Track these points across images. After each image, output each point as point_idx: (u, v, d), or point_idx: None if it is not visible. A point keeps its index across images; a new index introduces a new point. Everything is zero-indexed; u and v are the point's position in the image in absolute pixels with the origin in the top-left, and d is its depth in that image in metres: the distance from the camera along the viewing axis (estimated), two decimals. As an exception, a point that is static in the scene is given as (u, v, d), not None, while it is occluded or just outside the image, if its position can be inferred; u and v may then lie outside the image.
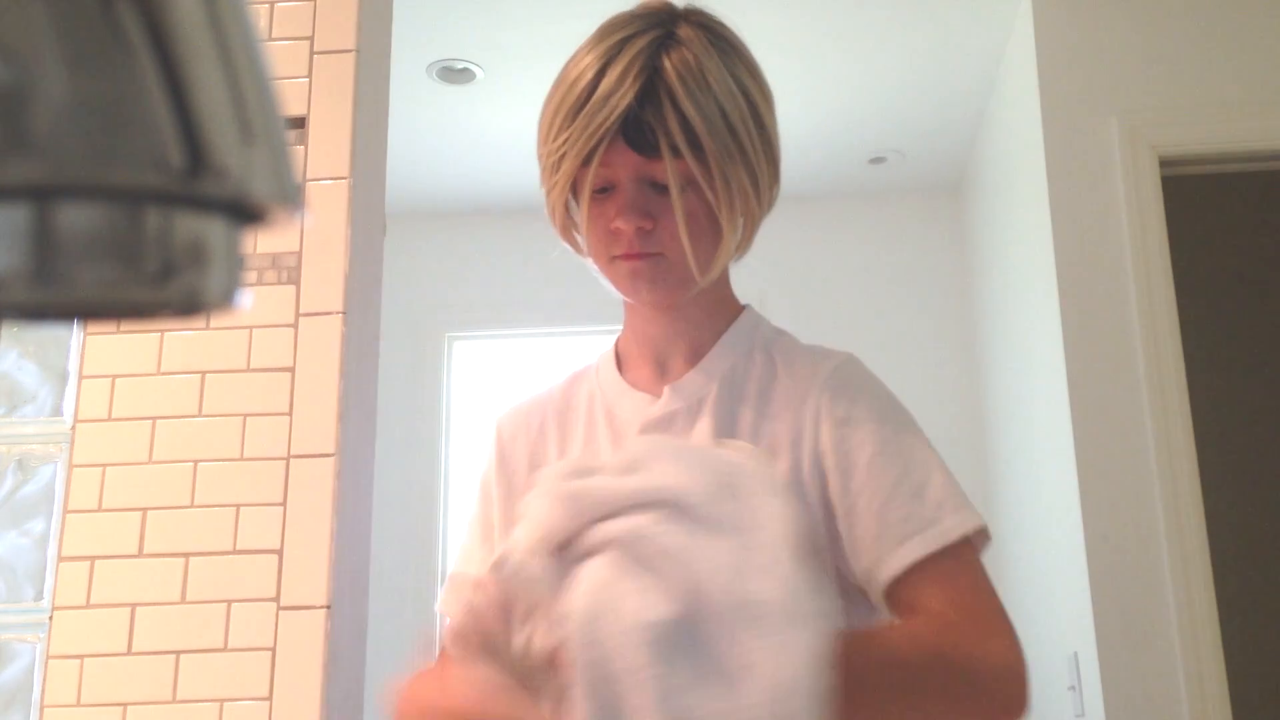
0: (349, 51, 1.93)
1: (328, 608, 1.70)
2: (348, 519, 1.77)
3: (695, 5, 1.11)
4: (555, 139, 1.04)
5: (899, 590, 0.98)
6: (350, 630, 1.77)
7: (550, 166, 1.06)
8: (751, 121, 1.06)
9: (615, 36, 1.04)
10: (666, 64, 1.03)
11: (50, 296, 0.28)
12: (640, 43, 1.03)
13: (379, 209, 2.05)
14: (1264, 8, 2.84)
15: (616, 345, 1.20)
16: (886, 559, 0.98)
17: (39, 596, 1.74)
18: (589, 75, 1.03)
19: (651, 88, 1.02)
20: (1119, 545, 2.57)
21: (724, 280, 1.17)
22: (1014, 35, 3.11)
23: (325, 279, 1.84)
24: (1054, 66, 2.86)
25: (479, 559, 1.10)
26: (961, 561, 0.99)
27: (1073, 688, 2.72)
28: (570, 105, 1.03)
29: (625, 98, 1.01)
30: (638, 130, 1.02)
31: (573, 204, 1.08)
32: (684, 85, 1.02)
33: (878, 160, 3.89)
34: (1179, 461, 2.57)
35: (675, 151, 1.02)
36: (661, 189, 1.05)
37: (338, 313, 1.82)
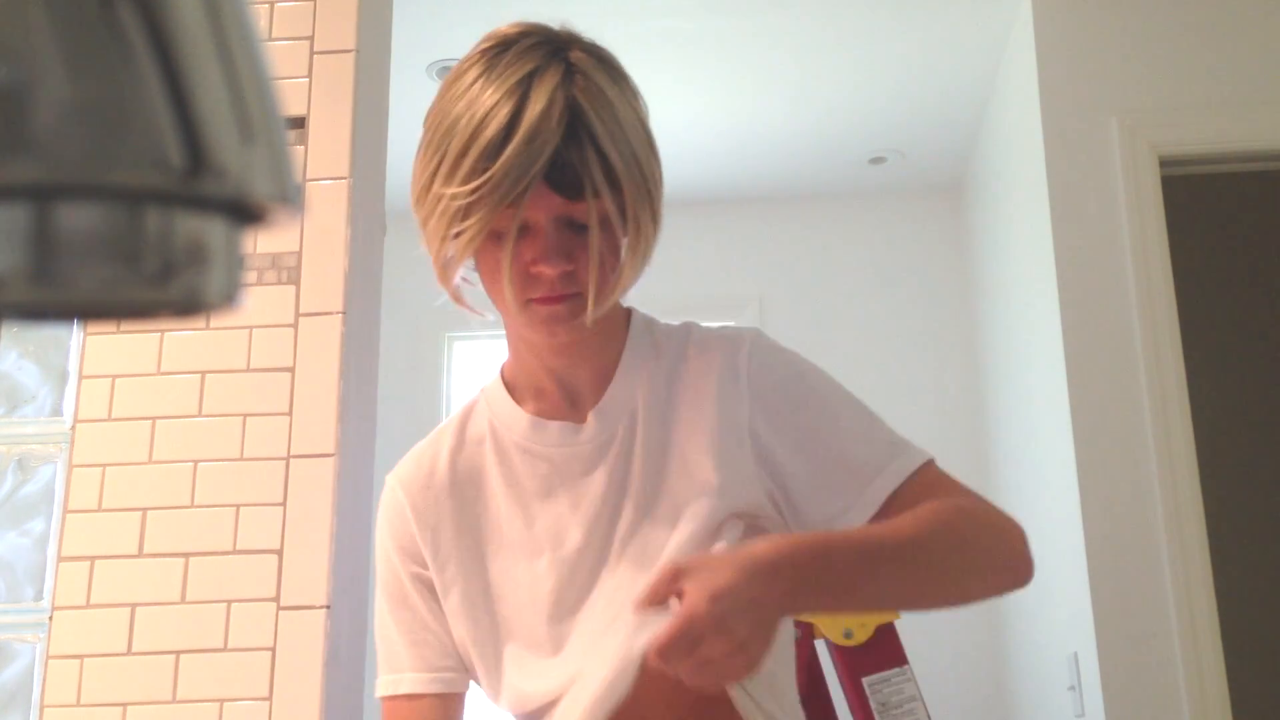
0: (349, 51, 1.93)
1: (328, 608, 1.70)
2: (348, 519, 1.77)
3: (568, 26, 1.07)
4: (467, 181, 0.98)
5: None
6: (350, 630, 1.77)
7: (455, 212, 0.99)
8: (651, 154, 1.06)
9: (518, 71, 1.00)
10: (581, 100, 0.99)
11: (50, 296, 0.28)
12: (551, 79, 0.99)
13: (379, 209, 2.05)
14: (1264, 8, 2.84)
15: (504, 376, 1.16)
16: (861, 499, 1.05)
17: (39, 596, 1.74)
18: (502, 113, 0.97)
19: (571, 128, 0.98)
20: (1119, 545, 2.57)
21: (614, 311, 1.14)
22: (1014, 35, 3.11)
23: (325, 279, 1.84)
24: (1054, 66, 2.86)
25: (408, 659, 1.11)
26: (935, 474, 1.07)
27: (1073, 688, 2.72)
28: (486, 145, 0.97)
29: (553, 138, 0.97)
30: (558, 171, 0.98)
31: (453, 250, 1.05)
32: (601, 124, 0.99)
33: (878, 160, 3.89)
34: (1179, 461, 2.57)
35: (595, 193, 0.99)
36: (578, 228, 1.02)
37: (338, 313, 1.82)
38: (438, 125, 1.02)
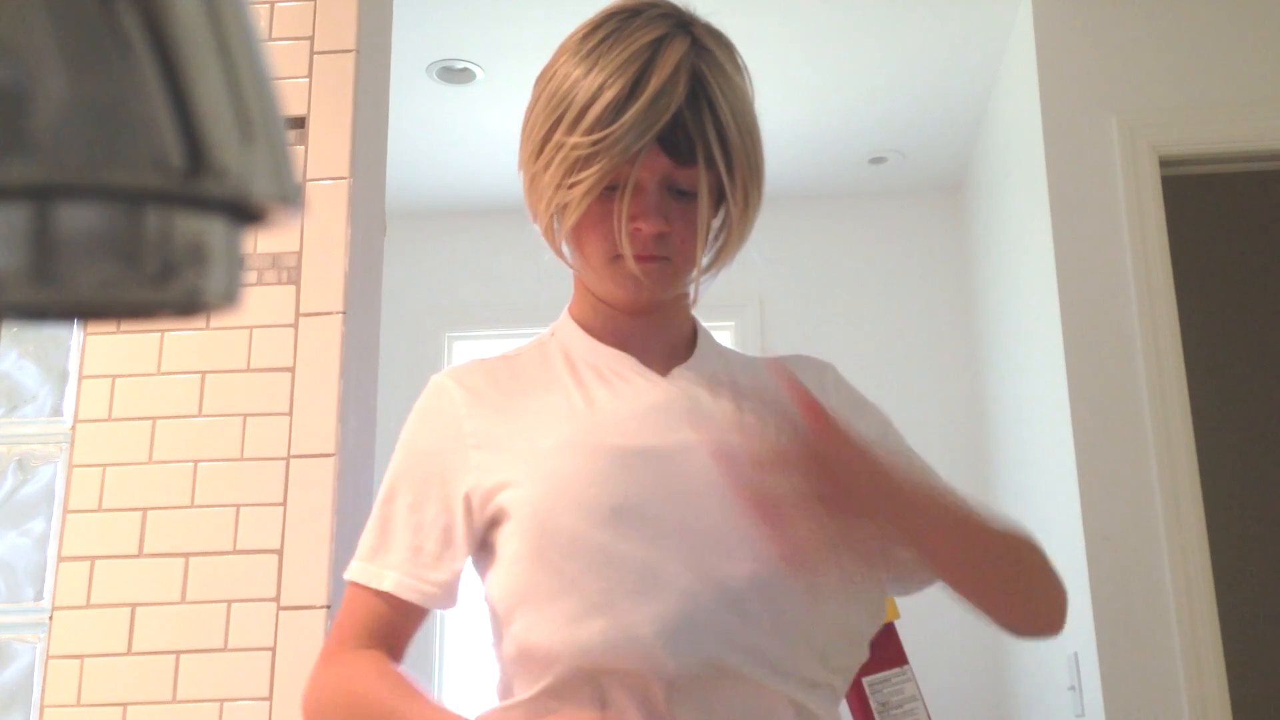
0: (349, 51, 1.93)
1: (328, 608, 1.70)
2: (348, 519, 1.77)
3: (693, 7, 1.11)
4: (590, 132, 1.00)
5: None
6: (350, 630, 1.77)
7: (574, 161, 1.01)
8: (759, 137, 1.08)
9: (646, 35, 1.03)
10: (704, 71, 1.03)
11: (50, 296, 0.28)
12: (678, 48, 1.02)
13: (379, 209, 2.05)
14: (1264, 8, 2.84)
15: (580, 324, 1.15)
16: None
17: (39, 596, 1.74)
18: (630, 73, 1.01)
19: (694, 94, 1.02)
20: (1119, 545, 2.57)
21: (686, 292, 1.16)
22: (1014, 35, 3.11)
23: (325, 279, 1.84)
24: (1054, 66, 2.86)
25: (401, 559, 1.06)
26: None
27: (1073, 688, 2.72)
28: (611, 100, 1.00)
29: (676, 100, 1.00)
30: (673, 134, 1.01)
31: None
32: (722, 96, 1.03)
33: (878, 160, 3.89)
34: (1179, 461, 2.57)
35: (708, 160, 1.02)
36: (677, 195, 1.04)
37: (338, 313, 1.82)
38: (561, 81, 1.05)
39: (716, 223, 1.08)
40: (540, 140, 1.05)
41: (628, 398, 1.07)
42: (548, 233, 1.09)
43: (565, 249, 1.09)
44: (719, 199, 1.07)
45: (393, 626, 1.06)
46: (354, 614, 1.07)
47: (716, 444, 0.98)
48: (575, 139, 1.01)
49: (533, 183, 1.07)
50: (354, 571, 1.09)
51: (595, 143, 1.00)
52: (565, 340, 1.14)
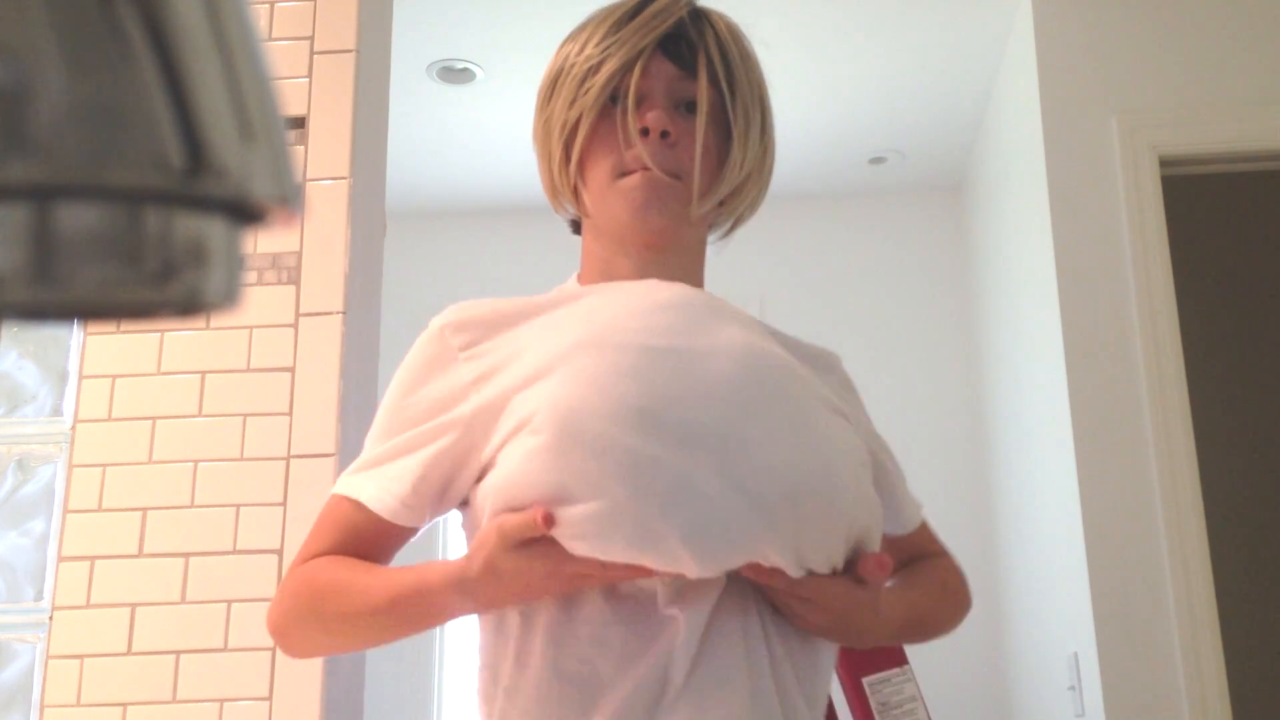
0: (349, 51, 1.93)
1: (328, 608, 1.70)
2: (348, 519, 1.77)
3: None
4: (598, 45, 1.08)
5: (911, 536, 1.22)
6: (350, 630, 1.77)
7: (586, 71, 1.07)
8: (760, 74, 1.14)
9: None
10: (703, 7, 1.12)
11: (50, 296, 0.28)
12: None
13: (379, 209, 2.05)
14: (1264, 8, 2.85)
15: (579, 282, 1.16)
16: (914, 516, 1.22)
17: (39, 596, 1.74)
18: (631, 3, 1.09)
19: (695, 17, 1.10)
20: (1119, 545, 2.57)
21: (701, 251, 1.17)
22: (1014, 35, 3.11)
23: (325, 279, 1.84)
24: (1054, 66, 2.86)
25: (388, 472, 1.04)
26: (925, 522, 1.26)
27: (1073, 688, 2.73)
28: (618, 19, 1.08)
29: (678, 12, 1.09)
30: (676, 45, 1.08)
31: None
32: (724, 24, 1.12)
33: (878, 160, 3.89)
34: (1179, 461, 2.57)
35: (710, 71, 1.08)
36: (685, 111, 1.09)
37: (338, 313, 1.82)
38: (572, 31, 1.13)
39: (736, 134, 1.10)
40: (552, 81, 1.11)
41: (643, 293, 1.06)
42: (561, 174, 1.11)
43: (579, 195, 1.11)
44: (722, 123, 1.10)
45: (366, 539, 1.05)
46: (323, 526, 1.07)
47: (748, 352, 1.00)
48: (586, 53, 1.08)
49: (546, 126, 1.11)
50: (345, 484, 1.07)
51: (605, 50, 1.07)
52: (570, 291, 1.15)
